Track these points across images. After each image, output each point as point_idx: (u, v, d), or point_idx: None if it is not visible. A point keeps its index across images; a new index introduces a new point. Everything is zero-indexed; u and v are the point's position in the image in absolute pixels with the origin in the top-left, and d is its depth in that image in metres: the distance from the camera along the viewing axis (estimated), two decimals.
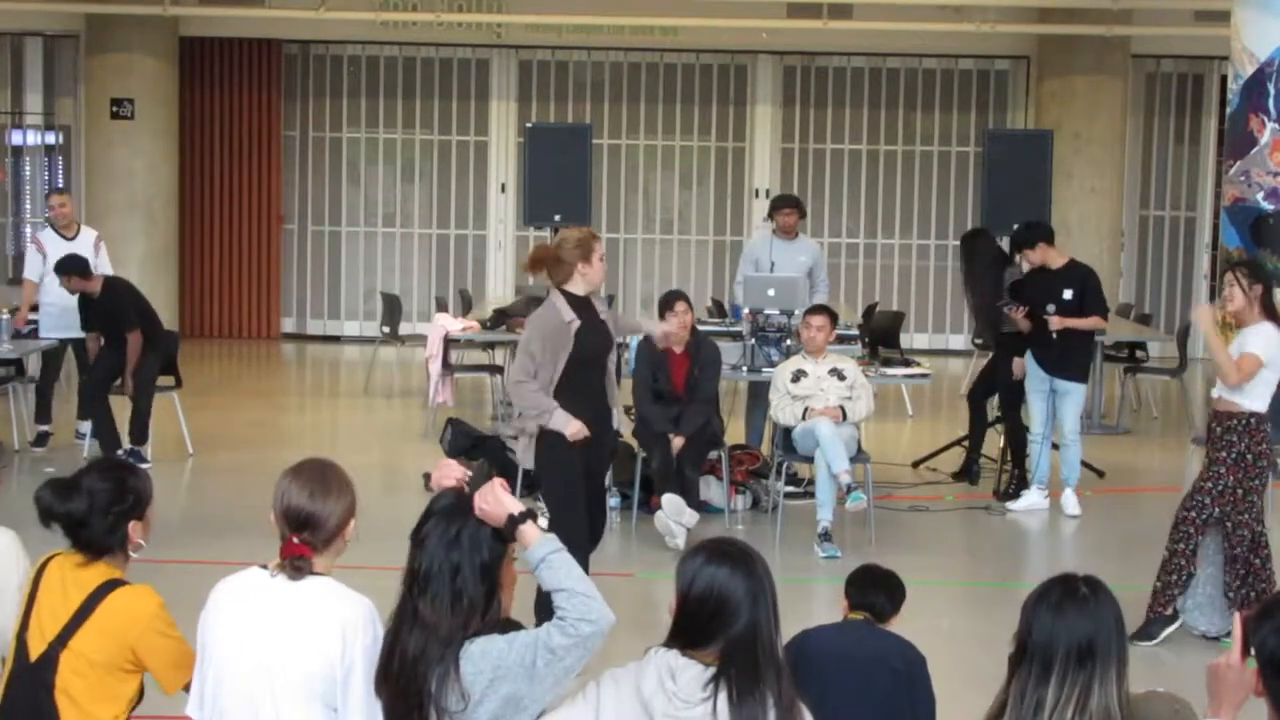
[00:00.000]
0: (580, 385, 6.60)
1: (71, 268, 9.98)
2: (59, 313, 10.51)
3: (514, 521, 3.35)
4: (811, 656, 4.32)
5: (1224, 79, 13.63)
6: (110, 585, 3.87)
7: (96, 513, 3.87)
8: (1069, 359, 9.35)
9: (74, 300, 10.24)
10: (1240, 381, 6.72)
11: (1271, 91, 10.49)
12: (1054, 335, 9.25)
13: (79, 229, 10.91)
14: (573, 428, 6.48)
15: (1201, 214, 17.29)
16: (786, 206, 10.74)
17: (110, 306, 10.08)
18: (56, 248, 10.48)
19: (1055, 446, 9.74)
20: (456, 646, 3.29)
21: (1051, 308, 9.23)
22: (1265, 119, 10.52)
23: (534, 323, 6.65)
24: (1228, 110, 11.11)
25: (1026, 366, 9.52)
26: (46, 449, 10.52)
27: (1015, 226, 9.66)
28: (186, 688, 3.81)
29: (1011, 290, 9.55)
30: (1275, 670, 2.83)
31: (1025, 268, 9.66)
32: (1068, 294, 9.25)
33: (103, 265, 10.65)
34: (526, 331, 6.67)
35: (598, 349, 6.68)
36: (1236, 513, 6.84)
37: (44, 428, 10.67)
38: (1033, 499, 9.55)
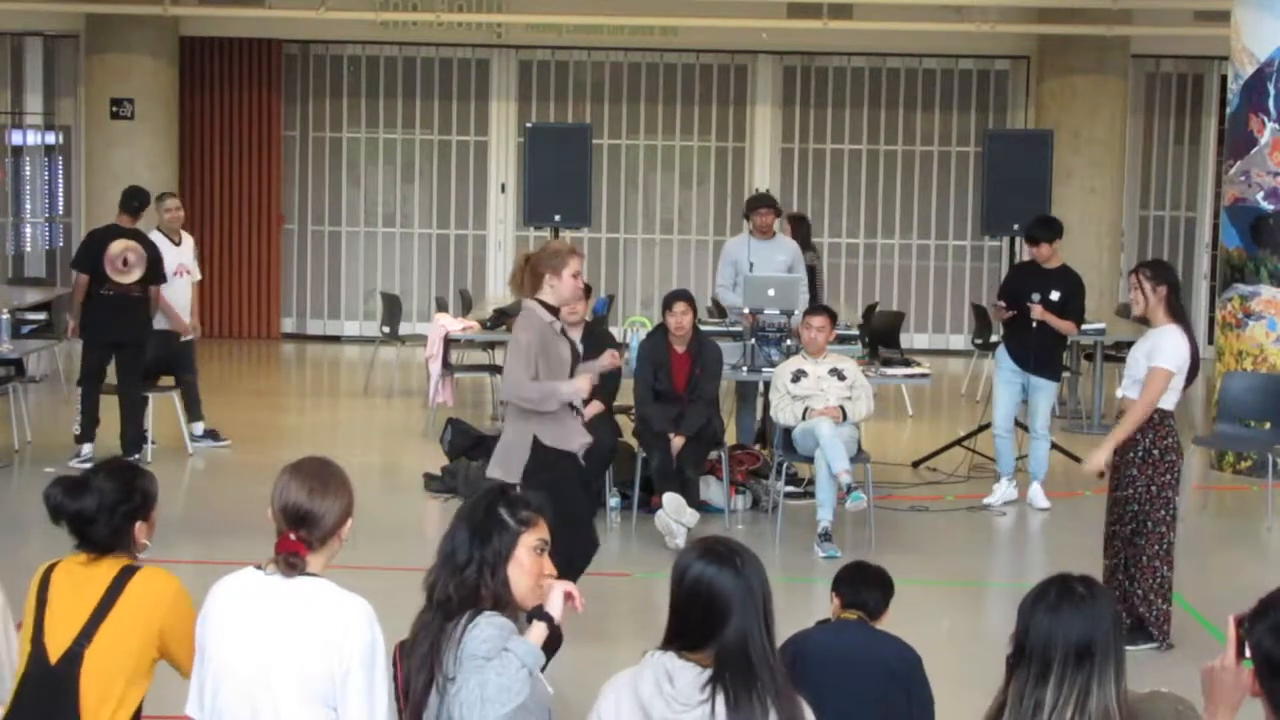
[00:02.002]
0: None
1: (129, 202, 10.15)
2: (180, 313, 10.60)
3: (540, 616, 3.53)
4: (808, 658, 4.31)
5: (1224, 79, 13.61)
6: (129, 570, 3.88)
7: (104, 511, 3.88)
8: (1046, 357, 9.57)
9: (188, 308, 10.53)
10: (1156, 398, 6.72)
11: (1271, 91, 10.48)
12: (1034, 324, 9.37)
13: (182, 235, 10.84)
14: (581, 384, 6.43)
15: (1201, 214, 17.29)
16: (762, 207, 10.72)
17: None
18: (169, 254, 10.44)
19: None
20: (465, 620, 3.42)
21: (1036, 296, 9.37)
22: (1265, 119, 10.52)
23: (524, 327, 6.45)
24: (1228, 110, 11.10)
25: (999, 359, 9.71)
26: (221, 444, 10.87)
27: (1037, 217, 9.82)
28: None
29: (1003, 288, 9.78)
30: (1272, 670, 2.82)
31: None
32: (1055, 295, 9.40)
33: (195, 270, 10.90)
34: (521, 338, 6.42)
35: (564, 356, 6.60)
36: (1154, 510, 6.81)
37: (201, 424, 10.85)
38: (1003, 491, 9.62)
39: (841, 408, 8.69)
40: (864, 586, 4.63)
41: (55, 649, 3.83)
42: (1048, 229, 9.56)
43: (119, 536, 3.91)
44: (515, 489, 3.75)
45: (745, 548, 3.33)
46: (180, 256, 10.65)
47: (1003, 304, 9.66)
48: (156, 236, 10.48)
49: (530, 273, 6.48)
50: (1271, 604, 2.88)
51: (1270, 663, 2.82)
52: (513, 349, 6.47)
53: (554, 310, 6.49)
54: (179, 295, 10.61)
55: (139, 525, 3.95)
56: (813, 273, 11.33)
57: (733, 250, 10.70)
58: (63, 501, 3.89)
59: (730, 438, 10.02)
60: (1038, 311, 9.36)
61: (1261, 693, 2.85)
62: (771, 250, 10.55)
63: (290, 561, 3.54)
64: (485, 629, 3.42)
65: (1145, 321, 7.04)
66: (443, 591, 3.49)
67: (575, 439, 6.47)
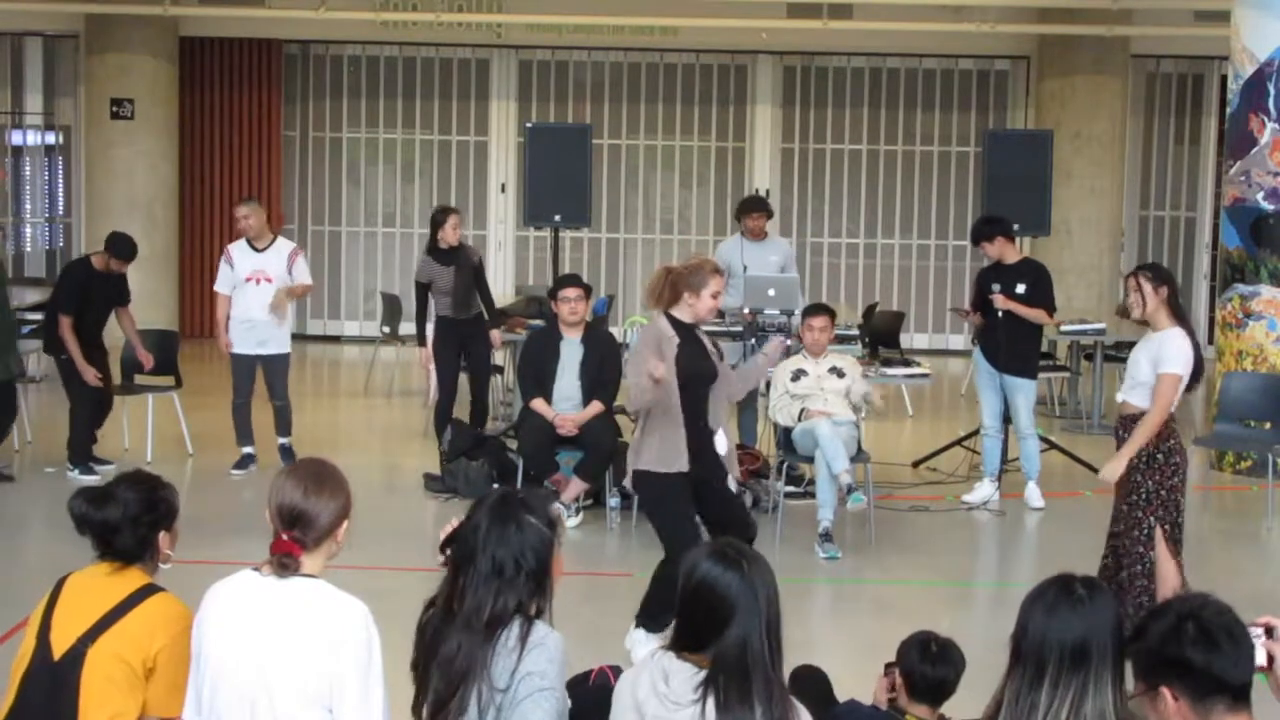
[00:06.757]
0: (679, 408, 6.48)
1: (113, 248, 9.81)
2: (248, 327, 10.13)
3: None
4: None
5: (1224, 79, 13.62)
6: (150, 589, 3.90)
7: (128, 521, 3.90)
8: (1016, 354, 9.47)
9: (264, 314, 10.02)
10: (1169, 405, 6.69)
11: (1271, 91, 10.48)
12: (999, 314, 9.33)
13: (274, 240, 10.18)
14: (658, 368, 6.28)
15: (1201, 214, 17.30)
16: (755, 211, 10.79)
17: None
18: (245, 260, 10.09)
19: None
20: (519, 630, 3.36)
21: (996, 287, 9.35)
22: (1265, 119, 10.51)
23: (642, 336, 6.57)
24: (1228, 110, 11.09)
25: (976, 361, 9.68)
26: (246, 472, 10.14)
27: (975, 221, 9.81)
28: None
29: (972, 296, 9.80)
30: (1178, 669, 2.83)
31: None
32: (1021, 288, 9.39)
33: (299, 275, 10.15)
34: (638, 346, 6.53)
35: (696, 373, 6.50)
36: (1166, 511, 6.76)
37: (248, 449, 10.27)
38: (985, 491, 9.63)
39: (850, 400, 8.75)
40: (932, 663, 4.30)
41: (60, 646, 3.84)
42: (986, 225, 9.54)
43: (144, 546, 3.94)
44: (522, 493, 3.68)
45: (756, 552, 3.34)
46: (258, 263, 10.07)
47: (966, 308, 9.68)
48: (239, 243, 10.19)
49: (670, 287, 6.50)
50: (1159, 612, 2.91)
51: (1179, 663, 2.82)
52: (631, 356, 6.54)
53: (685, 326, 6.47)
54: (250, 302, 10.09)
55: (163, 535, 3.97)
56: None
57: (725, 253, 10.75)
58: (87, 512, 3.92)
59: (739, 437, 10.01)
60: (999, 300, 9.32)
61: (1168, 692, 2.85)
62: (764, 251, 10.60)
63: (283, 562, 3.54)
64: (553, 650, 3.38)
65: (1145, 324, 6.99)
66: (475, 600, 3.41)
67: (675, 461, 6.43)
